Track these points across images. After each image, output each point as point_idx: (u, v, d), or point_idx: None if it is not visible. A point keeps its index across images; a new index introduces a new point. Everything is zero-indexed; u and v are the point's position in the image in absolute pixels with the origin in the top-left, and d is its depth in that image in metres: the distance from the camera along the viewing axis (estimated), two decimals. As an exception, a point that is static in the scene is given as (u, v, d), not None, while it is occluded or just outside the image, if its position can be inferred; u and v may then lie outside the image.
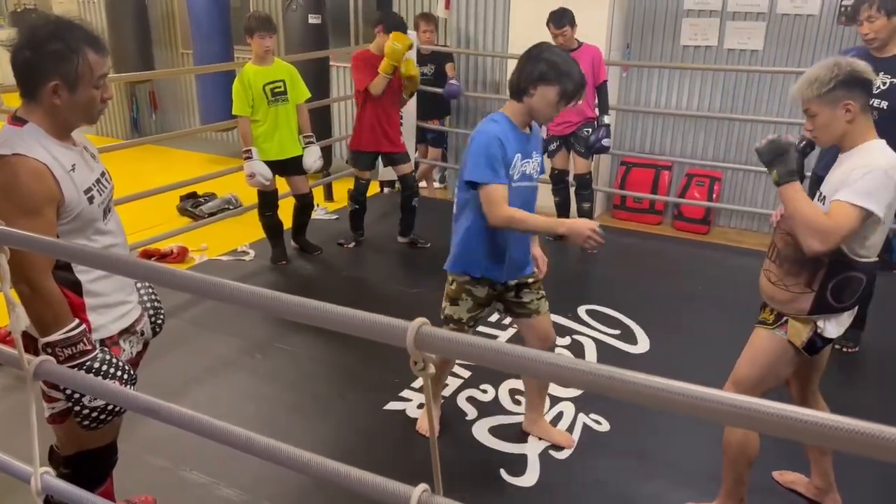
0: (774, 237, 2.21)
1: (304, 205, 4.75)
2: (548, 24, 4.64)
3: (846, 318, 2.17)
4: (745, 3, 5.41)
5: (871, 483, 2.63)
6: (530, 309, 2.71)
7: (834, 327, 2.14)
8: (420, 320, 1.02)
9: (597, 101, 4.70)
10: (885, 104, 3.26)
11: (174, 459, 2.72)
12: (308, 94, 4.58)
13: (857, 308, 2.19)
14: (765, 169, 2.18)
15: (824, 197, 2.09)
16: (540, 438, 2.90)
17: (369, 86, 4.53)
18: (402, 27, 4.61)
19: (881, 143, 2.06)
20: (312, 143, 4.58)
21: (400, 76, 4.61)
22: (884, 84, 3.27)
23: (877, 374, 3.48)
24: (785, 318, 2.17)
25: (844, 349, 3.56)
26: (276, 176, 4.51)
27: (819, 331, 2.13)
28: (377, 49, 4.62)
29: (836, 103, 2.03)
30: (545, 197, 4.11)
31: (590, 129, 4.75)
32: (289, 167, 4.53)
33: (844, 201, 1.98)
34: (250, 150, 4.35)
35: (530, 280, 2.69)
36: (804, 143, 3.40)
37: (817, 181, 2.44)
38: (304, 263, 4.81)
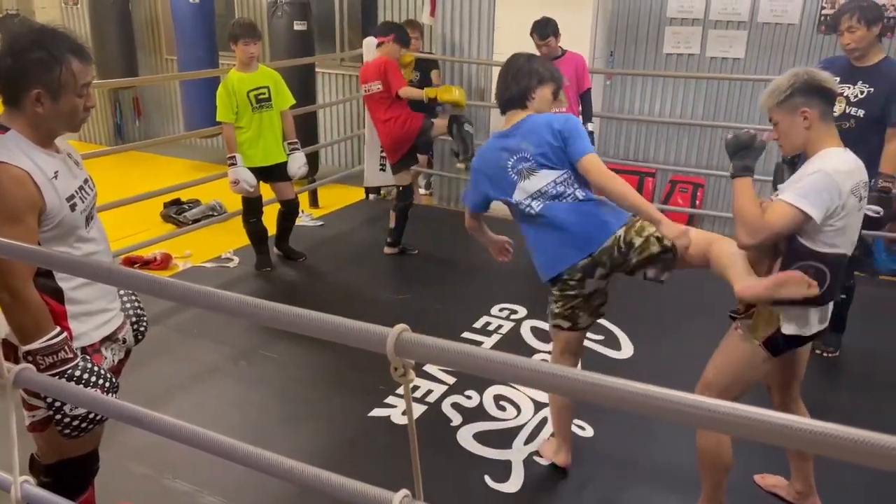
0: None
1: (288, 211, 4.74)
2: (531, 35, 4.67)
3: (813, 317, 2.13)
4: (726, 11, 5.48)
5: (850, 486, 2.66)
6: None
7: (793, 323, 2.11)
8: (400, 327, 1.03)
9: (580, 108, 4.73)
10: (862, 112, 3.30)
11: (157, 467, 2.70)
12: (292, 101, 4.58)
13: (829, 307, 2.18)
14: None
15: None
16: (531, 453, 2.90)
17: (400, 90, 4.65)
18: (408, 42, 4.88)
19: (839, 150, 2.09)
20: (297, 149, 4.58)
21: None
22: (861, 93, 3.32)
23: (856, 378, 3.52)
24: (751, 309, 2.17)
25: (825, 354, 3.59)
26: (261, 182, 4.51)
27: (780, 328, 2.11)
28: (389, 56, 4.73)
29: (794, 110, 2.08)
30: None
31: None
32: (273, 173, 4.53)
33: (782, 200, 2.03)
34: (234, 157, 4.35)
35: None
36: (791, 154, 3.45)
37: None
38: (288, 270, 4.80)
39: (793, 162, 3.48)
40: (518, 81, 2.59)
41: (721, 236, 2.41)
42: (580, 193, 2.50)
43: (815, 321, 2.16)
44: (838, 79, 3.32)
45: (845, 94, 3.34)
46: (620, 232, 2.45)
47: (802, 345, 2.24)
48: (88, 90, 1.78)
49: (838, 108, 3.34)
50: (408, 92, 4.65)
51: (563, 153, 2.48)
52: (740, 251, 2.21)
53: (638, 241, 2.42)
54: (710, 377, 2.28)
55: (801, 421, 0.84)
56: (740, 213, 2.11)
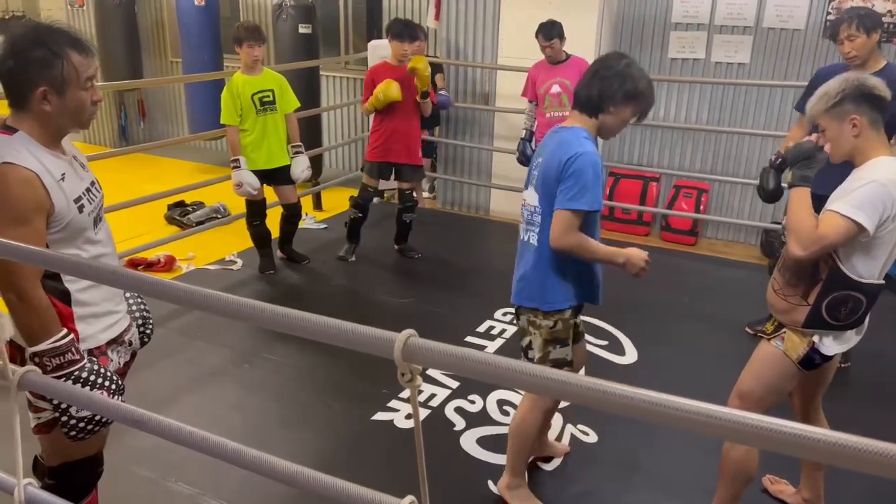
0: (784, 247, 2.22)
1: (291, 214, 4.75)
2: (536, 36, 4.67)
3: (851, 336, 2.15)
4: (732, 16, 5.47)
5: (856, 495, 2.64)
6: (579, 333, 2.64)
7: (833, 344, 2.12)
8: (408, 332, 1.02)
9: None
10: None
11: (160, 470, 2.70)
12: (297, 104, 4.58)
13: (866, 323, 2.17)
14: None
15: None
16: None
17: (363, 108, 4.66)
18: (404, 33, 4.60)
19: (890, 159, 2.04)
20: (301, 152, 4.59)
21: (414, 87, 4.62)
22: None
23: (866, 387, 3.50)
24: (784, 329, 2.18)
25: (839, 365, 3.56)
26: (265, 185, 4.51)
27: (816, 346, 2.12)
28: (393, 59, 4.69)
29: (843, 117, 2.04)
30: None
31: None
32: (277, 176, 4.53)
33: (835, 211, 1.99)
34: (238, 160, 4.35)
35: None
36: (780, 160, 3.48)
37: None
38: (292, 273, 4.80)
39: (780, 167, 3.50)
40: (601, 85, 2.23)
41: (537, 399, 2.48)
42: (536, 237, 2.34)
43: (855, 336, 2.17)
44: None
45: None
46: (525, 314, 2.43)
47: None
48: (93, 83, 1.77)
49: None
50: (365, 109, 4.68)
51: (551, 191, 2.26)
52: (524, 439, 2.52)
53: (523, 324, 2.46)
54: (744, 388, 2.27)
55: (818, 431, 0.83)
56: (795, 224, 2.06)
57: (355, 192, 5.04)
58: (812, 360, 2.15)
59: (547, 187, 2.28)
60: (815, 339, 2.12)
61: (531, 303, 2.40)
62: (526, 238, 2.42)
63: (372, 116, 4.84)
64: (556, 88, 4.72)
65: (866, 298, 2.06)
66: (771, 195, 3.62)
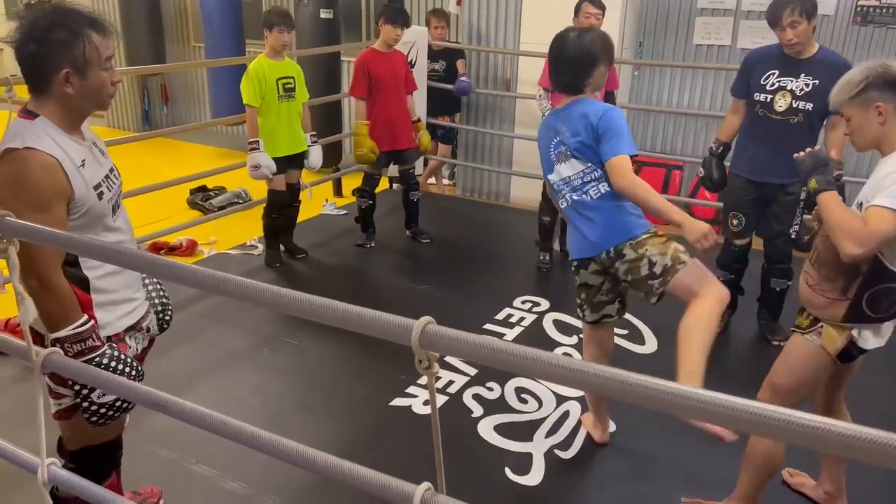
0: (816, 241, 2.18)
1: (291, 193, 4.64)
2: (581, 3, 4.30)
3: (888, 329, 2.12)
4: (758, 1, 5.37)
5: (878, 489, 2.61)
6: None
7: (871, 337, 2.10)
8: (425, 319, 1.02)
9: None
10: (810, 106, 3.33)
11: (181, 452, 2.73)
12: (307, 96, 4.57)
13: None
14: None
15: (861, 203, 2.05)
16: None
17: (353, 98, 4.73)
18: (398, 19, 4.62)
19: None
20: (317, 141, 4.62)
21: (405, 64, 4.69)
22: (807, 86, 3.34)
23: (890, 379, 3.46)
24: (820, 323, 2.15)
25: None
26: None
27: (854, 340, 2.10)
28: (381, 45, 4.67)
29: (867, 105, 2.01)
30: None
31: None
32: (294, 161, 4.52)
33: (880, 206, 1.95)
34: (257, 142, 4.29)
35: None
36: (721, 147, 3.62)
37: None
38: (311, 258, 4.81)
39: (721, 156, 3.63)
40: (575, 69, 2.51)
41: (711, 287, 2.42)
42: (603, 188, 2.48)
43: (890, 330, 2.14)
44: (777, 72, 3.37)
45: (789, 88, 3.37)
46: (621, 251, 2.47)
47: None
48: (111, 64, 1.77)
49: (784, 102, 3.33)
50: (354, 106, 4.71)
51: (594, 149, 2.46)
52: (710, 331, 2.41)
53: (630, 255, 2.46)
54: (777, 381, 2.24)
55: (839, 425, 0.81)
56: (842, 225, 2.01)
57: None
58: (850, 354, 2.13)
59: (587, 151, 2.47)
60: (854, 332, 2.10)
61: (622, 238, 2.48)
62: (578, 198, 2.53)
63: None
64: None
65: None
66: (717, 184, 3.69)
